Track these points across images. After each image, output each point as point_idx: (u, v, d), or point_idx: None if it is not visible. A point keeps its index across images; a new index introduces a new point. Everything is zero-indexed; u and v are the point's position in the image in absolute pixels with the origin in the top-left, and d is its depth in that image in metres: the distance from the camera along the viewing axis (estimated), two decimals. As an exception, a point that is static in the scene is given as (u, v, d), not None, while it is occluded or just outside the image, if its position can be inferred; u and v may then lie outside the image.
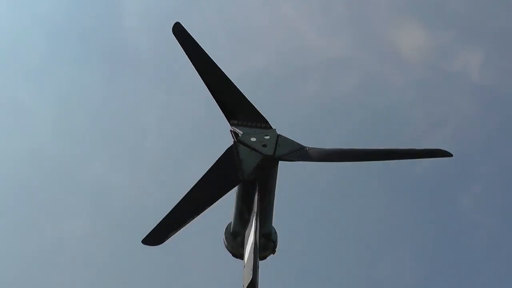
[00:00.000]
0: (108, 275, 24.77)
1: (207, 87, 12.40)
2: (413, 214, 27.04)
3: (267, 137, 11.94)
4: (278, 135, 12.03)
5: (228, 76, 12.50)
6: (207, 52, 12.59)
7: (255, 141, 11.81)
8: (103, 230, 25.99)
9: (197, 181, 11.37)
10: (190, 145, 25.35)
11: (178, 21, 12.72)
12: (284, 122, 12.86)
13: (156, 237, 10.84)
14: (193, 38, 12.66)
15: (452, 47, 29.22)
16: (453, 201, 27.45)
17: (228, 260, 12.77)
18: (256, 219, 11.09)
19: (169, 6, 29.19)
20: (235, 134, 12.07)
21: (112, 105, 27.62)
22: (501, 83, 29.22)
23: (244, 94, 12.49)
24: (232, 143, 11.87)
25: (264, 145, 11.80)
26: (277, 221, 12.72)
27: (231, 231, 12.73)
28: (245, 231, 12.04)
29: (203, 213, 11.18)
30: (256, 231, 10.97)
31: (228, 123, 12.24)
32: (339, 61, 28.67)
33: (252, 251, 10.79)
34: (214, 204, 11.24)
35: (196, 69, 12.49)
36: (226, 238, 12.82)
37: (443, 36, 29.28)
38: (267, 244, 12.65)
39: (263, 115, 12.37)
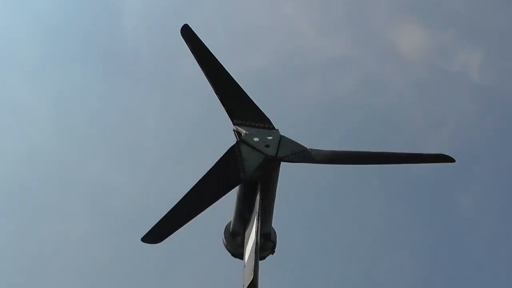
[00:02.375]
0: (108, 275, 24.77)
1: (212, 86, 12.43)
2: (413, 214, 27.04)
3: (270, 138, 11.95)
4: (281, 136, 12.05)
5: (232, 76, 12.53)
6: (212, 52, 12.65)
7: (257, 141, 11.81)
8: (103, 230, 25.98)
9: (198, 180, 11.38)
10: (190, 145, 25.37)
11: (183, 22, 12.80)
12: (284, 122, 12.86)
13: (155, 235, 10.90)
14: (199, 39, 12.69)
15: (451, 47, 29.24)
16: (453, 201, 27.45)
17: (228, 260, 12.77)
18: (257, 219, 11.09)
19: (169, 6, 29.21)
20: (238, 134, 12.07)
21: (111, 104, 27.63)
22: (500, 83, 29.23)
23: (248, 94, 12.49)
24: (235, 142, 11.88)
25: (267, 146, 11.82)
26: (277, 221, 12.72)
27: (230, 230, 12.72)
28: (244, 231, 12.04)
29: (202, 212, 11.25)
30: (258, 231, 10.97)
31: (232, 123, 12.24)
32: (339, 61, 28.69)
33: (253, 251, 10.79)
34: (218, 204, 11.26)
35: (201, 68, 12.55)
36: (225, 238, 12.81)
37: (442, 36, 29.30)
38: (266, 244, 12.64)
39: (266, 115, 12.40)
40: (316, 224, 24.85)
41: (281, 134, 12.13)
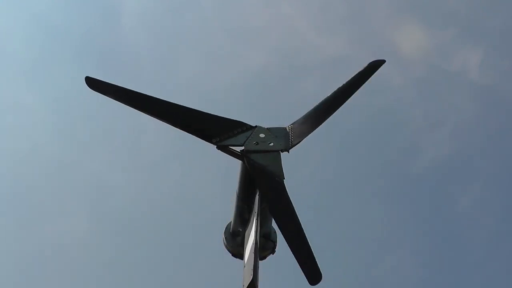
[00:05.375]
0: (107, 275, 24.76)
1: (166, 122, 12.04)
2: (412, 214, 27.03)
3: (263, 135, 11.94)
4: (268, 129, 12.05)
5: (172, 102, 12.12)
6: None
7: (259, 144, 11.77)
8: (102, 229, 25.98)
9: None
10: (189, 145, 25.33)
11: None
12: (283, 122, 12.85)
13: (313, 276, 10.61)
14: (114, 84, 12.26)
15: (451, 46, 29.22)
16: (452, 201, 27.46)
17: (228, 260, 12.76)
18: (256, 219, 11.08)
19: (169, 5, 29.19)
20: (227, 150, 11.89)
21: (111, 104, 27.56)
22: (500, 83, 29.24)
23: (204, 111, 12.12)
24: (227, 157, 11.79)
25: (270, 143, 11.81)
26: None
27: (230, 230, 12.72)
28: (245, 230, 12.03)
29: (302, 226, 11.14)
30: (257, 231, 10.96)
31: (211, 144, 11.89)
32: (338, 60, 28.66)
33: (253, 251, 10.78)
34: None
35: (144, 112, 12.12)
36: (225, 238, 12.81)
37: (442, 35, 29.28)
38: (266, 244, 12.63)
39: (235, 120, 12.16)
40: (316, 224, 24.81)
41: (263, 126, 12.15)
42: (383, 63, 13.41)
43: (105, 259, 24.91)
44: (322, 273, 10.55)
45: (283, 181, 11.41)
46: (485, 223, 27.28)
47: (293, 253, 10.68)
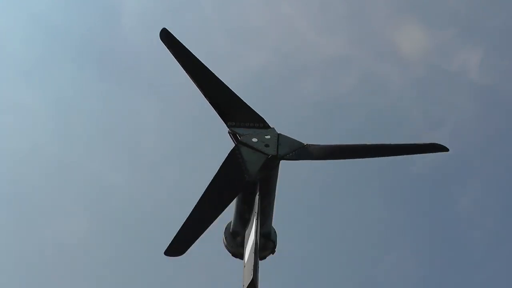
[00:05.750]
0: (107, 275, 24.75)
1: (200, 90, 12.36)
2: (412, 214, 27.03)
3: (268, 137, 11.96)
4: (279, 134, 12.06)
5: (220, 78, 12.43)
6: (197, 54, 12.54)
7: (256, 142, 11.81)
8: (102, 229, 25.98)
9: (206, 187, 11.33)
10: (189, 144, 25.35)
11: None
12: (283, 121, 12.86)
13: (177, 248, 10.82)
14: (181, 43, 12.59)
15: (451, 47, 29.22)
16: (452, 201, 27.45)
17: (228, 260, 12.77)
18: (256, 219, 11.08)
19: (168, 5, 29.17)
20: (234, 136, 12.04)
21: (110, 104, 27.60)
22: (500, 83, 29.23)
23: (238, 95, 12.41)
24: (233, 145, 11.86)
25: (267, 145, 11.82)
26: (277, 221, 12.72)
27: (231, 230, 12.72)
28: (245, 231, 12.03)
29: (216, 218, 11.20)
30: (257, 231, 10.97)
31: (226, 125, 12.21)
32: (338, 60, 28.67)
33: (253, 251, 10.79)
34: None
35: (186, 72, 12.45)
36: (226, 238, 12.81)
37: (442, 35, 29.27)
38: (266, 244, 12.65)
39: (259, 114, 12.37)
40: (316, 224, 24.84)
41: (278, 132, 12.15)
42: (444, 151, 12.47)
43: (105, 259, 24.92)
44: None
45: (248, 182, 11.43)
46: (485, 223, 27.29)
47: (184, 223, 10.94)
